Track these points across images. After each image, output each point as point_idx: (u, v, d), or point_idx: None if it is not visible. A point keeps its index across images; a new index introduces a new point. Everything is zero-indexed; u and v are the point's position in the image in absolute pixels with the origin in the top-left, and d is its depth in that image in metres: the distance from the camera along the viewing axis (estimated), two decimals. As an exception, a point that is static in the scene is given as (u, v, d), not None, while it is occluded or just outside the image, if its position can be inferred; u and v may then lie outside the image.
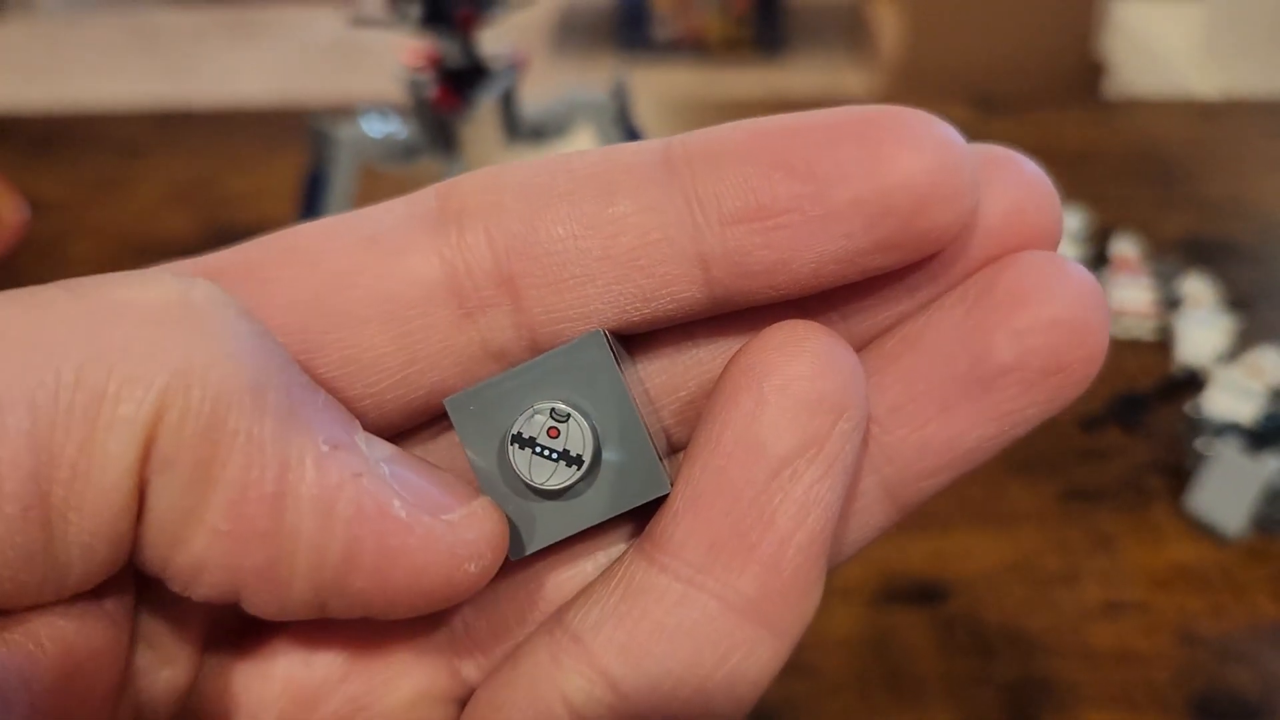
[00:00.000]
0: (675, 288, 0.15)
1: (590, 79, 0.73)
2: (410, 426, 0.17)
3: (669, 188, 0.15)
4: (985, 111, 0.81)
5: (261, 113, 0.84)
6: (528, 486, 0.16)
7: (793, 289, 0.15)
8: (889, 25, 2.42)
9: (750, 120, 0.15)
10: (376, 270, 0.15)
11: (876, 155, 0.14)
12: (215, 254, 0.16)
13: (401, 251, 0.15)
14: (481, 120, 0.73)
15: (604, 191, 0.15)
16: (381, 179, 0.72)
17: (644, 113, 0.81)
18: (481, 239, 0.15)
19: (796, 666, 0.41)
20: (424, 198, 0.16)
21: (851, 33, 2.86)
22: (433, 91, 0.56)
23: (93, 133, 0.81)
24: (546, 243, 0.15)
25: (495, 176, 0.16)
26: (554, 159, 0.16)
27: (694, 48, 2.78)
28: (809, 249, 0.15)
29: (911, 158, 0.14)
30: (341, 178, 0.55)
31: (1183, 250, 0.65)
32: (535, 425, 0.16)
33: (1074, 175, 0.73)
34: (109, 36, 2.87)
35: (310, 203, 0.55)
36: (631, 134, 0.57)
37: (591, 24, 2.94)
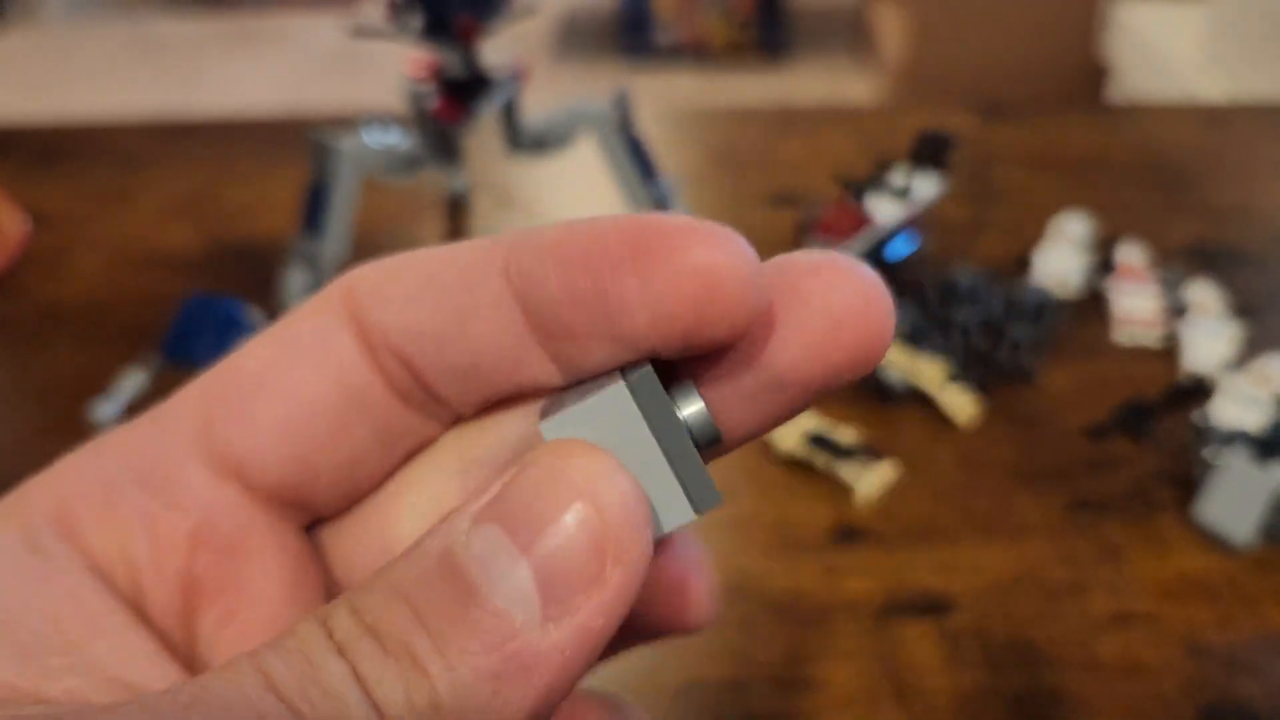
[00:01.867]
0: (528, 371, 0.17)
1: (593, 84, 0.73)
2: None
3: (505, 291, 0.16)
4: (989, 118, 0.81)
5: (263, 123, 0.84)
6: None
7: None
8: (892, 28, 2.42)
9: (562, 229, 0.16)
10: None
11: (657, 279, 0.15)
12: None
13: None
14: (483, 131, 0.73)
15: (466, 287, 0.17)
16: (384, 190, 0.73)
17: (647, 119, 0.82)
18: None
19: (804, 680, 0.41)
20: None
21: (855, 37, 2.86)
22: (434, 102, 0.56)
23: (94, 145, 0.82)
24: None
25: (388, 271, 0.18)
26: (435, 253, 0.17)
27: (697, 53, 2.78)
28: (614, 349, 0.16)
29: (688, 280, 0.15)
30: (343, 190, 0.55)
31: (1189, 257, 0.65)
32: None
33: (1079, 181, 0.73)
34: (112, 47, 2.87)
35: (312, 216, 0.55)
36: (634, 144, 0.57)
37: (594, 29, 2.94)
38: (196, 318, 0.43)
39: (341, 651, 0.14)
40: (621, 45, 2.80)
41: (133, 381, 0.42)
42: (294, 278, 0.56)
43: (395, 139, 0.56)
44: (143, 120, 0.85)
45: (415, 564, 0.15)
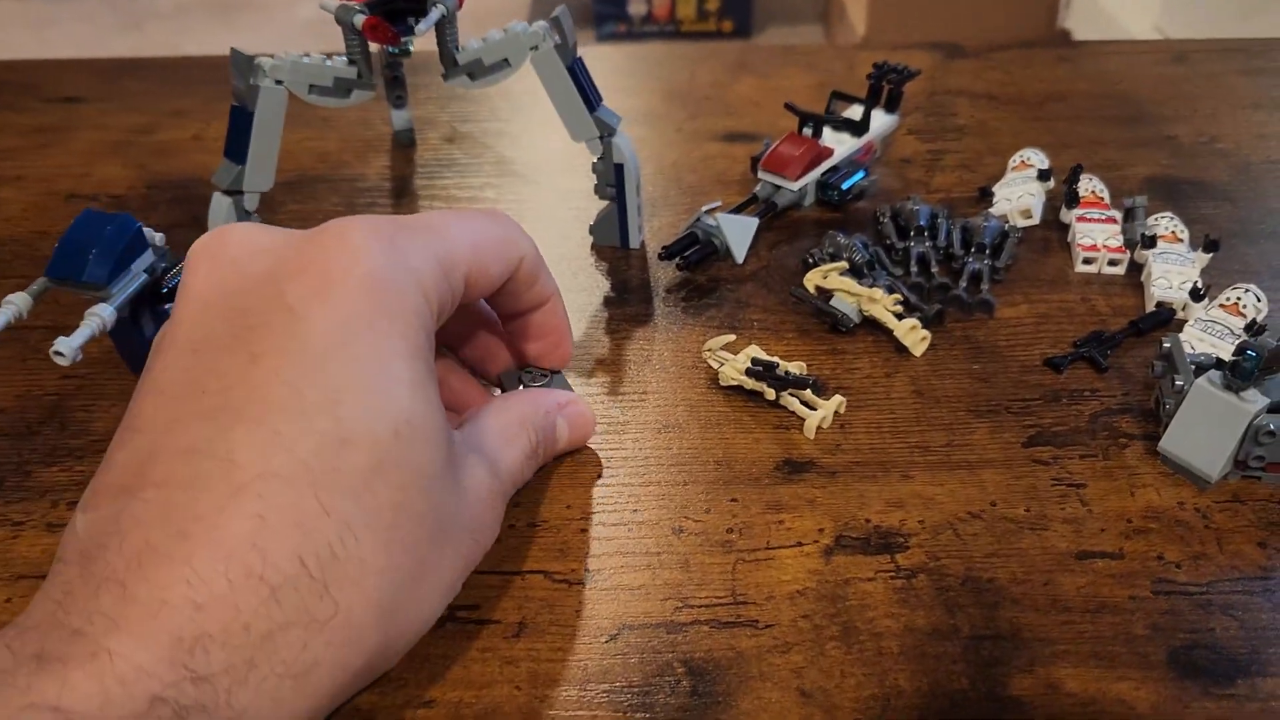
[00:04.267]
0: None
1: (605, 63, 0.68)
2: None
3: None
4: (950, 56, 0.76)
5: (207, 60, 0.77)
6: None
7: None
8: (857, 2, 2.36)
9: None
10: None
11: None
12: None
13: None
14: (430, 68, 0.67)
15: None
16: (327, 128, 0.66)
17: (604, 56, 0.76)
18: None
19: (746, 622, 0.36)
20: None
21: (823, 11, 2.79)
22: (362, 20, 0.50)
23: (32, 82, 0.75)
24: None
25: None
26: None
27: (667, 25, 2.71)
28: None
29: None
30: (265, 111, 0.49)
31: (1155, 189, 0.60)
32: None
33: (1041, 116, 0.68)
34: (95, 15, 2.78)
35: (235, 142, 0.49)
36: (575, 69, 0.51)
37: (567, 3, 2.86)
38: (83, 234, 0.37)
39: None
40: (595, 17, 2.73)
41: (11, 307, 0.37)
42: (217, 210, 0.50)
43: (320, 58, 0.50)
44: (84, 58, 0.79)
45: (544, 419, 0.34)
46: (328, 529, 0.22)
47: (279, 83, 0.49)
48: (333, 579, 0.22)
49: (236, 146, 0.49)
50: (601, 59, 0.77)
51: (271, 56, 0.49)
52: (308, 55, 0.50)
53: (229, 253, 0.25)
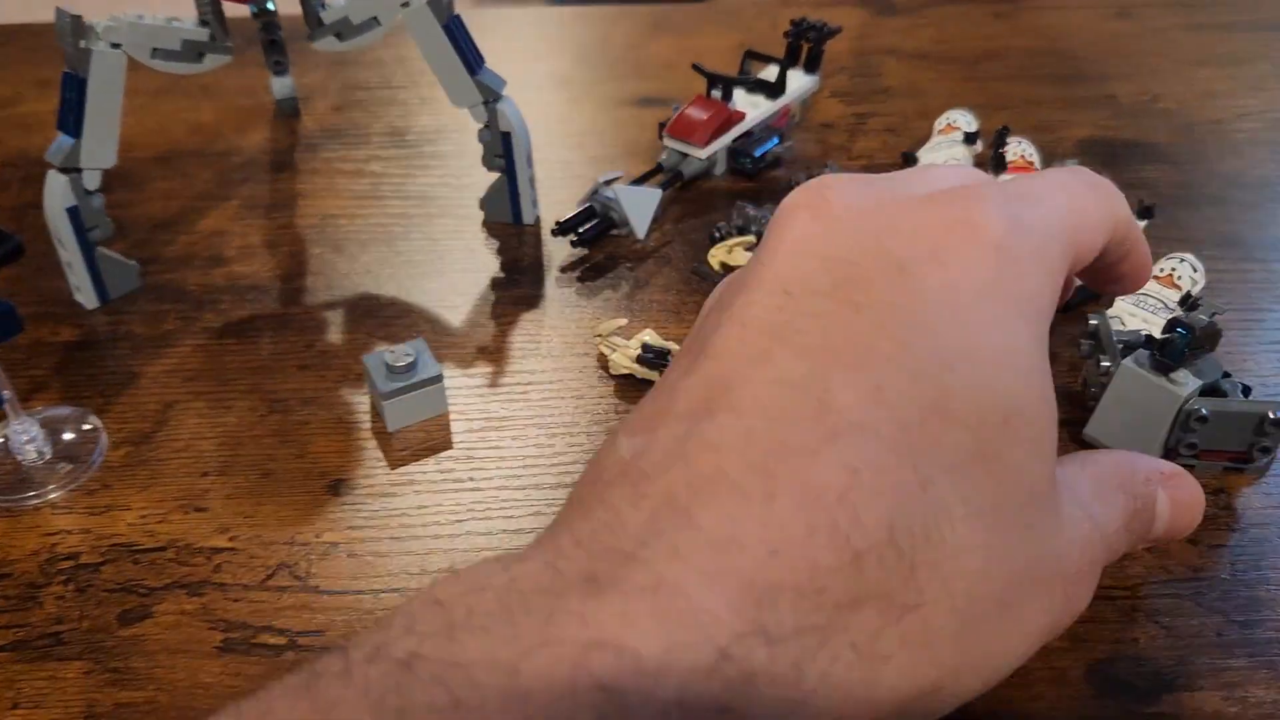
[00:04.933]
0: None
1: (519, 26, 0.62)
2: None
3: None
4: (878, 11, 0.71)
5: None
6: None
7: None
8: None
9: None
10: None
11: None
12: None
13: None
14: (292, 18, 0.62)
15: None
16: (204, 97, 0.61)
17: (513, 20, 0.71)
18: None
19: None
20: None
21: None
22: (213, -25, 0.45)
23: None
24: None
25: None
26: None
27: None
28: None
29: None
30: (100, 77, 0.44)
31: (1092, 151, 0.56)
32: None
33: (975, 75, 0.64)
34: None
35: (68, 113, 0.44)
36: (452, 28, 0.46)
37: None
38: None
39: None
40: (544, -16, 2.66)
41: None
42: (53, 191, 0.45)
43: (163, 18, 0.46)
44: (-50, 30, 0.73)
45: (1143, 487, 0.26)
46: (923, 505, 0.19)
47: (115, 46, 0.44)
48: (921, 563, 0.19)
49: (70, 118, 0.44)
50: (508, 21, 0.72)
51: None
52: (147, 16, 0.45)
53: (831, 209, 0.22)
